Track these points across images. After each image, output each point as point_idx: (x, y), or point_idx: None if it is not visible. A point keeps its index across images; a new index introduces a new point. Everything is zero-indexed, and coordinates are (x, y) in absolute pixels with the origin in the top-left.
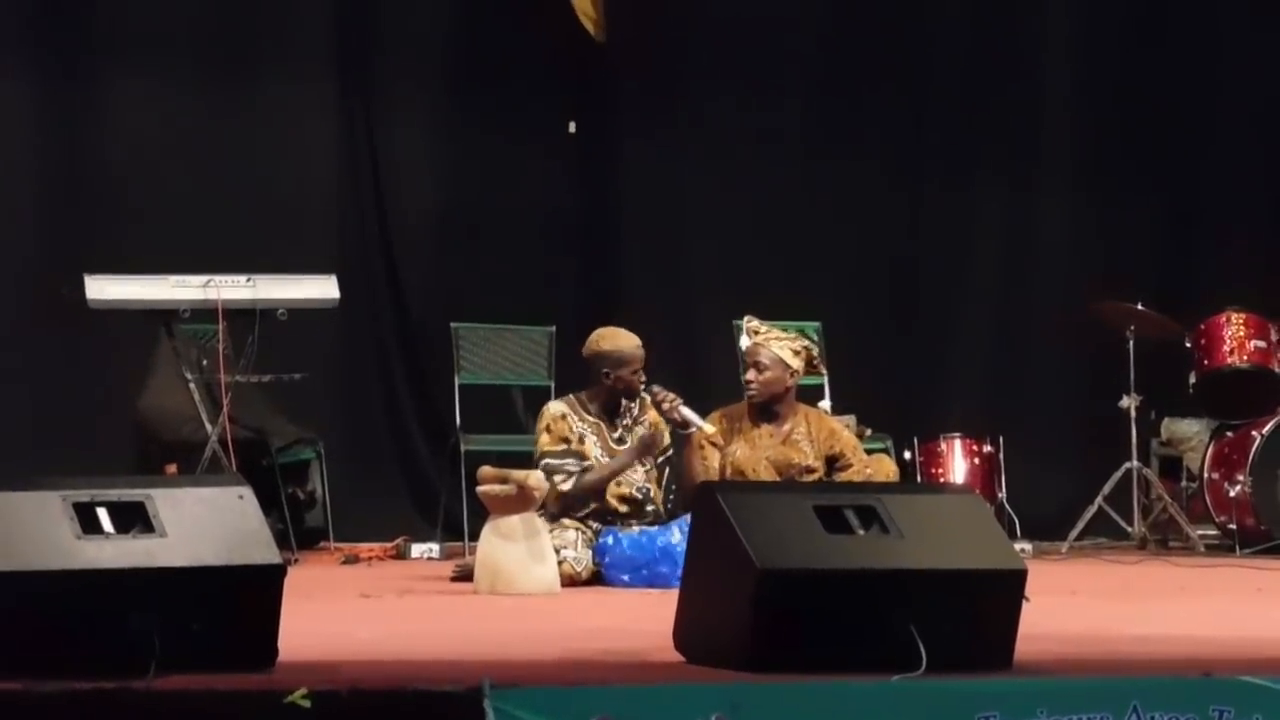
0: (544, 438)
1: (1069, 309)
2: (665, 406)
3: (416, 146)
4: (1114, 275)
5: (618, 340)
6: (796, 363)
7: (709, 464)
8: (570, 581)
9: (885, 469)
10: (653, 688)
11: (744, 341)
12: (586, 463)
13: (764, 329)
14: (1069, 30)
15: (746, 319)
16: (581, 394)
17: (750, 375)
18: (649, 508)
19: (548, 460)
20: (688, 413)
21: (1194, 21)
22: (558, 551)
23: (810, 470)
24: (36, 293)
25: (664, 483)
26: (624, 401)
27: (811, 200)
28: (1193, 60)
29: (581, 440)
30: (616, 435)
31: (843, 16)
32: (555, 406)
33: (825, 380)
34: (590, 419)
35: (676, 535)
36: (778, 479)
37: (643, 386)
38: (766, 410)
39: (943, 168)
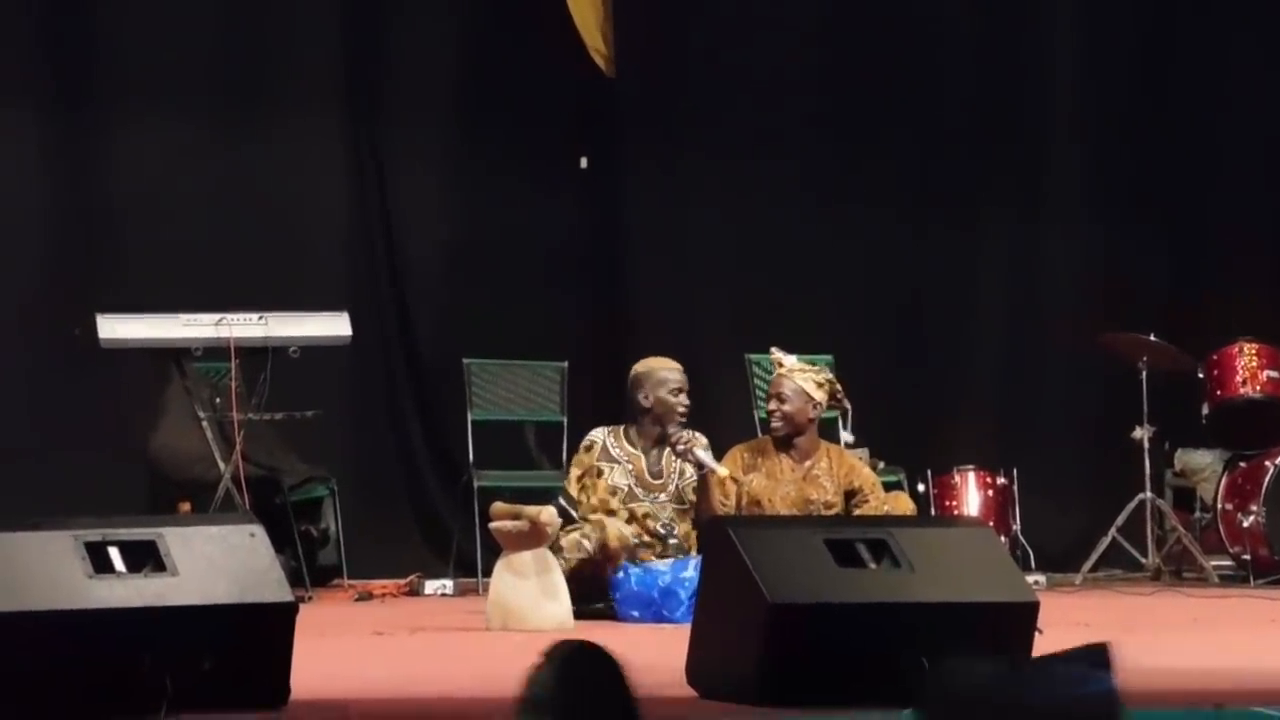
0: (573, 470)
1: (1080, 340)
2: (680, 448)
3: (427, 182)
4: (1125, 306)
5: (652, 364)
6: (820, 395)
7: (728, 502)
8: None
9: (903, 506)
10: None
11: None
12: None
13: (788, 361)
14: (1075, 62)
15: (773, 350)
16: (630, 425)
17: (773, 406)
18: (671, 541)
19: (561, 500)
20: (702, 455)
21: (1201, 52)
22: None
23: (829, 506)
24: (48, 332)
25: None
26: (669, 431)
27: (821, 233)
28: (1200, 91)
29: (600, 474)
30: (657, 468)
31: (849, 52)
32: (593, 433)
33: (848, 413)
34: (630, 449)
35: (690, 571)
36: (794, 514)
37: (685, 410)
38: (788, 443)
39: (951, 200)
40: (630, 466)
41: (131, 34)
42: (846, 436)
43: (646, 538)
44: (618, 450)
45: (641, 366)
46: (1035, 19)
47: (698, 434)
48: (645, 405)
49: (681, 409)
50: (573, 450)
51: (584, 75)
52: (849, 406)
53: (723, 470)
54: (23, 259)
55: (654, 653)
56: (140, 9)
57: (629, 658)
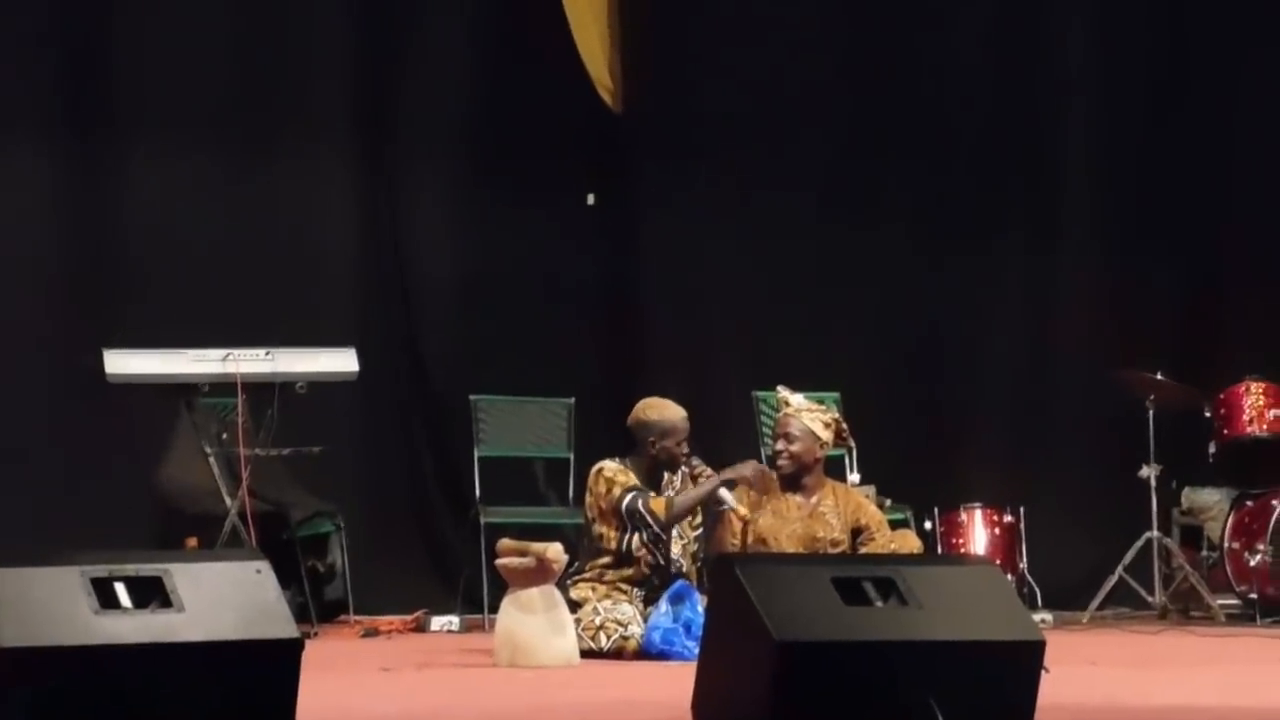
0: (620, 479)
1: (1089, 378)
2: (702, 480)
3: (436, 218)
4: (1134, 344)
5: (665, 411)
6: (826, 435)
7: (735, 541)
8: (633, 655)
9: (910, 545)
10: None
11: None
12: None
13: (795, 400)
14: (1089, 96)
15: (779, 389)
16: (626, 460)
17: (780, 446)
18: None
19: (631, 493)
20: (724, 492)
21: (1215, 87)
22: (623, 626)
23: (836, 544)
24: (55, 367)
25: (698, 556)
26: (666, 475)
27: (831, 269)
28: (1214, 126)
29: None
30: None
31: (862, 84)
32: (612, 464)
33: (853, 451)
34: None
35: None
36: (801, 552)
37: (685, 458)
38: (795, 481)
39: (962, 235)
40: None
41: (144, 67)
42: (853, 478)
43: (659, 579)
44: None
45: (654, 413)
46: (1049, 52)
47: (709, 468)
48: (652, 452)
49: (683, 458)
50: (580, 485)
51: (592, 112)
52: (854, 445)
53: (743, 509)
54: (32, 291)
55: (659, 689)
56: (153, 42)
57: (635, 694)
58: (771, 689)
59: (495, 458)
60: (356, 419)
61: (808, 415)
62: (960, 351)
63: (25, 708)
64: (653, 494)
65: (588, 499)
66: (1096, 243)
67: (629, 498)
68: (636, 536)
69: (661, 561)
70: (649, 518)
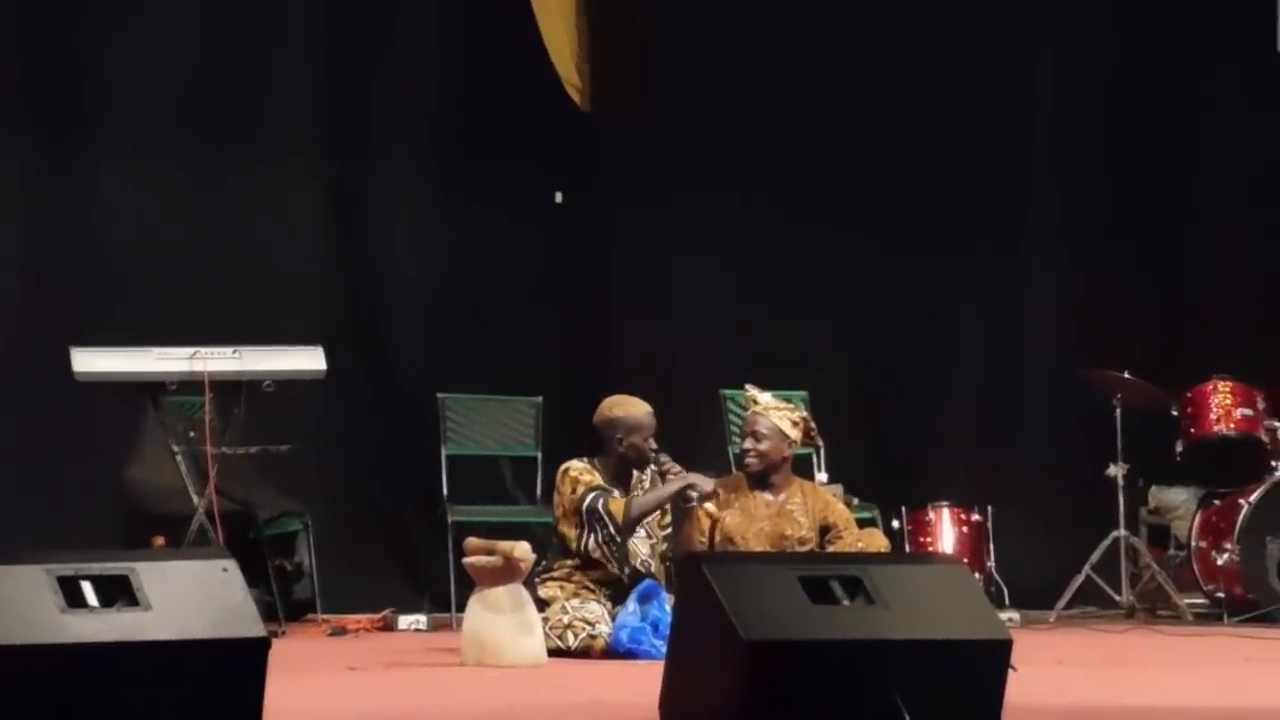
0: (583, 479)
1: (1056, 377)
2: (670, 477)
3: (403, 217)
4: (1101, 343)
5: (630, 407)
6: (795, 433)
7: (703, 539)
8: (601, 654)
9: (877, 543)
10: None
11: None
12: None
13: (763, 398)
14: (1056, 97)
15: (747, 388)
16: (594, 460)
17: (749, 445)
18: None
19: (593, 493)
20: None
21: (1181, 88)
22: (591, 625)
23: (804, 542)
24: (23, 366)
25: (666, 555)
26: (635, 473)
27: (799, 268)
28: (1180, 127)
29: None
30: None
31: (828, 86)
32: (579, 464)
33: (820, 450)
34: (605, 485)
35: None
36: (769, 550)
37: (653, 454)
38: (763, 480)
39: (929, 236)
40: None
41: (112, 69)
42: (821, 477)
43: (627, 580)
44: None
45: (619, 410)
46: (1017, 54)
47: (678, 465)
48: (620, 449)
49: (651, 453)
50: (548, 484)
51: (560, 111)
52: (821, 444)
53: (712, 506)
54: (0, 290)
55: (627, 689)
56: (121, 44)
57: (602, 694)
58: (739, 688)
59: (463, 456)
60: (324, 418)
61: (776, 413)
62: (928, 350)
63: None
64: (616, 493)
65: (555, 498)
66: (1064, 243)
67: (590, 497)
68: (592, 537)
69: (614, 566)
70: (607, 519)
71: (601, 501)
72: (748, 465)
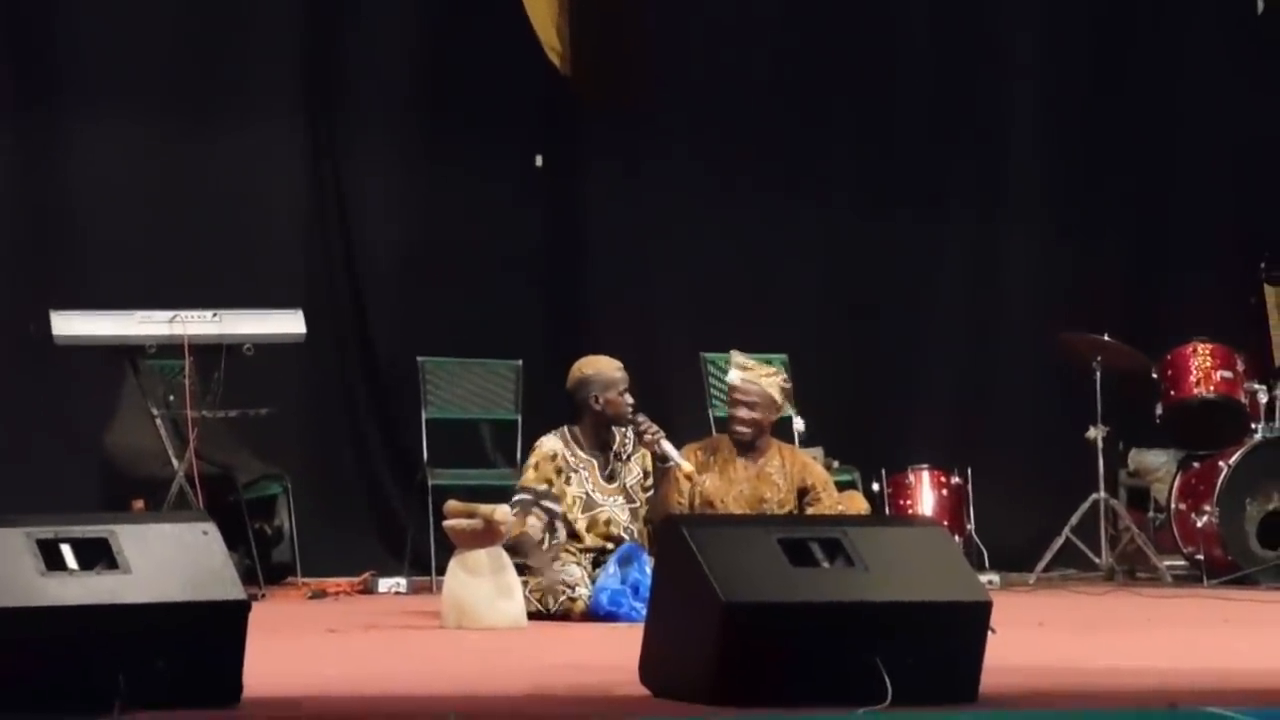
0: (530, 473)
1: (1036, 340)
2: (647, 437)
3: (382, 180)
4: (1081, 306)
5: (599, 365)
6: (782, 399)
7: (683, 501)
8: (581, 617)
9: (857, 506)
10: None
11: (733, 376)
12: (555, 506)
13: (751, 364)
14: (1035, 63)
15: (734, 354)
16: (573, 428)
17: (742, 413)
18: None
19: (521, 495)
20: (669, 448)
21: (1160, 54)
22: (571, 588)
23: (783, 505)
24: (1, 329)
25: (647, 518)
26: (615, 434)
27: (778, 232)
28: (1159, 93)
29: (568, 481)
30: (608, 471)
31: (809, 50)
32: (549, 444)
33: (794, 414)
34: (583, 455)
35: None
36: (748, 513)
37: (630, 412)
38: (749, 445)
39: (910, 200)
40: (586, 474)
41: (88, 31)
42: (799, 423)
43: (610, 545)
44: (573, 459)
45: (589, 368)
46: (995, 19)
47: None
48: (596, 408)
49: (629, 408)
50: (528, 447)
51: (540, 75)
52: (794, 407)
53: (688, 465)
54: None
55: (607, 651)
56: (98, 8)
57: (582, 657)
58: (719, 650)
59: (443, 420)
60: (304, 381)
61: (766, 380)
62: (908, 314)
63: None
64: (546, 502)
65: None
66: (1044, 208)
67: (515, 497)
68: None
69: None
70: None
71: (518, 510)
72: (740, 434)
